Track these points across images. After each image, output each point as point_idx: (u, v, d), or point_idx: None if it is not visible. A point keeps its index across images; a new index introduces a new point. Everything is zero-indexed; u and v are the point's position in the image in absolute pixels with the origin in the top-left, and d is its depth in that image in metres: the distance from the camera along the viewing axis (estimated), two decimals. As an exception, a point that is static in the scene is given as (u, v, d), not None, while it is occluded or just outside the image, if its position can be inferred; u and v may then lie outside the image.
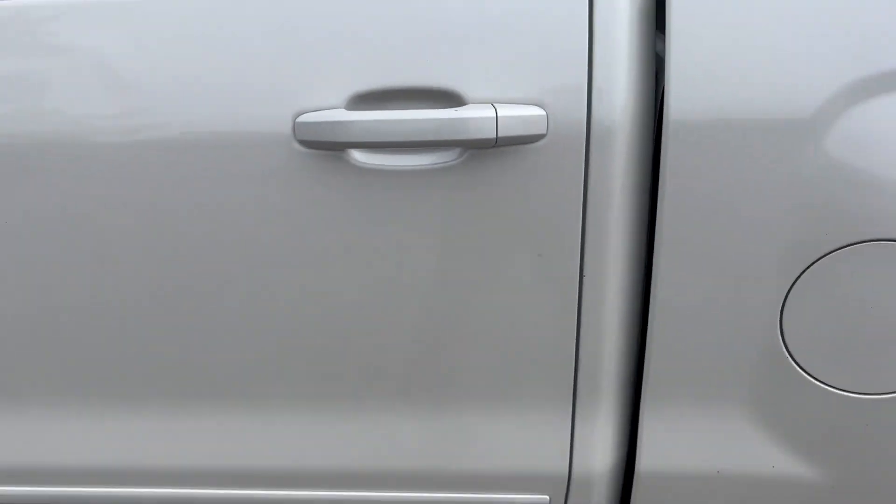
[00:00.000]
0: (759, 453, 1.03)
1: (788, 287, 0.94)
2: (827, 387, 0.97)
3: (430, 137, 0.90)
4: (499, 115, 0.88)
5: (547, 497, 1.08)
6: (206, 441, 1.09)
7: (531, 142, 0.90)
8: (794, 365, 0.97)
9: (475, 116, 0.88)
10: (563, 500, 1.09)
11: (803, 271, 0.93)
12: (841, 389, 0.97)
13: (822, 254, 0.91)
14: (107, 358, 1.04)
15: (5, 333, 1.04)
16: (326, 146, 0.91)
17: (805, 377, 0.97)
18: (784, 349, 0.97)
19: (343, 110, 0.91)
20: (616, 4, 0.89)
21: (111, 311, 1.02)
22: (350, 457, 1.08)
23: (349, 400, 1.05)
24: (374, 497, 1.09)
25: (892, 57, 0.87)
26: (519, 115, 0.89)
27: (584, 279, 0.96)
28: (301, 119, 0.91)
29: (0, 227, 0.99)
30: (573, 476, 1.07)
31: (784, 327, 0.96)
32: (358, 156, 0.92)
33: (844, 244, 0.90)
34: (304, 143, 0.91)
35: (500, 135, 0.89)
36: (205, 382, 1.05)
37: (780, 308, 0.95)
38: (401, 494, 1.09)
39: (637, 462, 1.05)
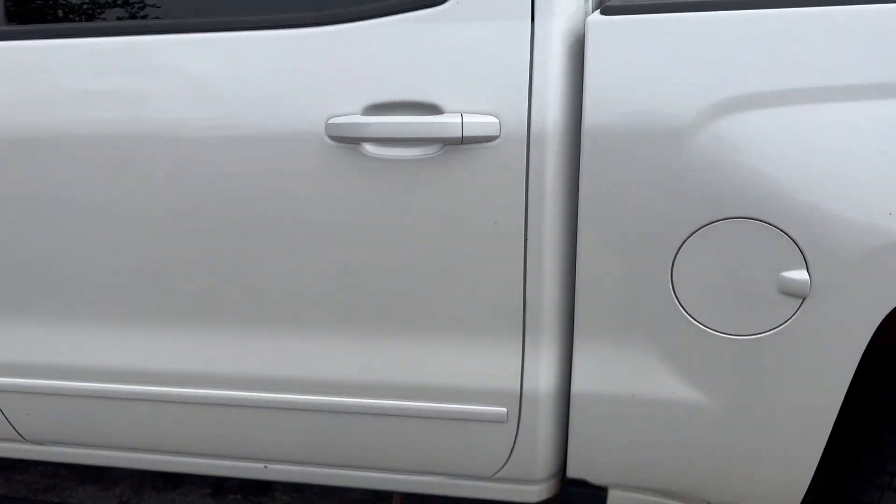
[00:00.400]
0: (662, 381, 1.36)
1: (675, 253, 1.27)
2: (708, 329, 1.30)
3: (418, 136, 1.29)
4: (464, 121, 1.27)
5: (504, 409, 1.44)
6: (263, 356, 1.50)
7: (488, 141, 1.28)
8: (684, 312, 1.30)
9: (448, 122, 1.27)
10: (517, 413, 1.45)
11: (684, 241, 1.26)
12: (718, 331, 1.30)
13: (697, 227, 1.25)
14: (202, 293, 1.48)
15: (136, 275, 1.49)
16: (347, 140, 1.32)
17: (693, 322, 1.31)
18: (675, 300, 1.30)
19: (359, 116, 1.31)
20: (550, 48, 1.26)
21: (201, 260, 1.45)
22: (360, 371, 1.47)
23: (359, 328, 1.44)
24: (377, 404, 1.48)
25: (742, 84, 1.20)
26: (479, 121, 1.27)
27: (528, 242, 1.33)
28: (330, 121, 1.32)
29: (119, 196, 1.44)
30: (524, 394, 1.42)
31: (674, 283, 1.29)
32: (369, 148, 1.32)
33: (710, 221, 1.24)
34: (332, 138, 1.32)
35: (465, 135, 1.27)
36: (261, 314, 1.47)
37: (670, 268, 1.29)
38: (395, 402, 1.47)
39: (572, 386, 1.40)
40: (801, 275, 1.22)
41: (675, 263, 1.28)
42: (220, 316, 1.50)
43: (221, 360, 1.52)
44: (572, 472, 1.50)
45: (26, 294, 1.56)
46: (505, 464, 1.51)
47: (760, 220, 1.22)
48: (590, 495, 1.55)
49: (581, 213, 1.29)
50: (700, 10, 1.21)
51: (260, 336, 1.49)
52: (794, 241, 1.21)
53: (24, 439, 1.75)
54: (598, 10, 1.26)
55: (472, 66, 1.28)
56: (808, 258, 1.21)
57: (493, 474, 1.53)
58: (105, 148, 1.43)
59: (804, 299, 1.23)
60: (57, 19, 1.55)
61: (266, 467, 1.69)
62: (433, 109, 1.29)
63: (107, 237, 1.48)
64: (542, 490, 1.59)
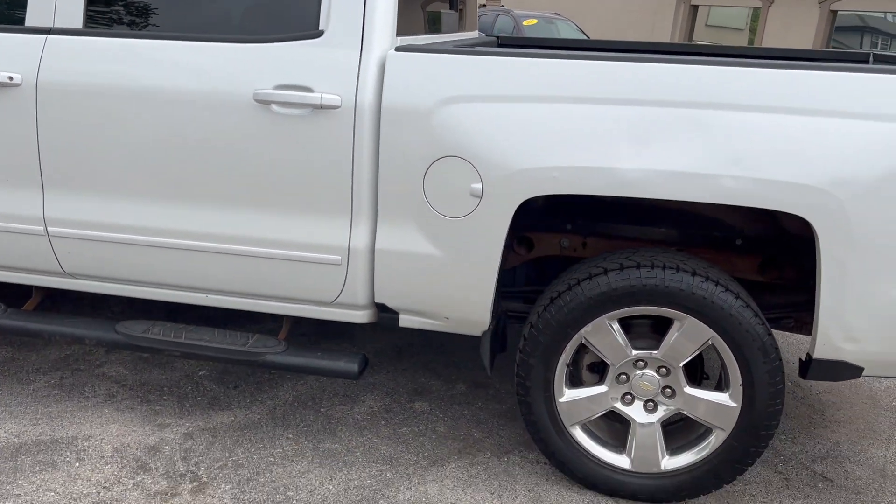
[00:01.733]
0: (419, 243, 2.58)
1: (424, 172, 2.51)
2: (440, 214, 2.53)
3: (300, 102, 2.53)
4: (322, 97, 2.51)
5: (339, 257, 2.66)
6: (209, 220, 2.71)
7: (334, 108, 2.52)
8: (429, 204, 2.53)
9: (315, 96, 2.51)
10: (346, 260, 2.66)
11: (429, 166, 2.50)
12: (444, 215, 2.53)
13: (434, 160, 2.48)
14: (169, 183, 2.69)
15: (139, 171, 2.70)
16: (264, 103, 2.55)
17: (433, 210, 2.54)
18: (425, 198, 2.53)
19: (271, 90, 2.55)
20: (369, 65, 2.51)
21: (175, 165, 2.67)
22: (260, 231, 2.68)
23: (262, 208, 2.66)
24: (268, 251, 2.69)
25: (455, 90, 2.45)
26: (330, 97, 2.51)
27: (354, 164, 2.56)
28: (255, 91, 2.55)
29: (138, 125, 2.65)
30: (350, 249, 2.65)
31: (424, 189, 2.52)
32: (275, 108, 2.56)
33: (440, 157, 2.48)
34: (256, 101, 2.56)
35: (322, 104, 2.51)
36: (204, 196, 2.69)
37: (422, 180, 2.52)
38: (280, 251, 2.68)
39: (375, 245, 2.63)
40: (478, 186, 2.46)
41: (425, 178, 2.52)
42: (179, 196, 2.71)
43: (179, 221, 2.73)
44: (378, 298, 2.71)
45: (83, 177, 2.77)
46: (340, 293, 2.72)
47: (462, 158, 2.46)
48: (392, 318, 2.77)
49: (381, 150, 2.53)
50: (438, 53, 2.48)
51: (206, 209, 2.70)
52: (475, 169, 2.45)
53: (64, 272, 2.94)
54: (395, 48, 2.52)
55: (329, 70, 2.53)
56: (482, 177, 2.45)
57: (334, 300, 2.74)
58: (136, 98, 2.65)
59: (480, 198, 2.47)
60: (112, 25, 2.78)
61: (207, 297, 2.89)
62: (308, 90, 2.54)
63: (131, 148, 2.70)
64: (366, 315, 2.80)
